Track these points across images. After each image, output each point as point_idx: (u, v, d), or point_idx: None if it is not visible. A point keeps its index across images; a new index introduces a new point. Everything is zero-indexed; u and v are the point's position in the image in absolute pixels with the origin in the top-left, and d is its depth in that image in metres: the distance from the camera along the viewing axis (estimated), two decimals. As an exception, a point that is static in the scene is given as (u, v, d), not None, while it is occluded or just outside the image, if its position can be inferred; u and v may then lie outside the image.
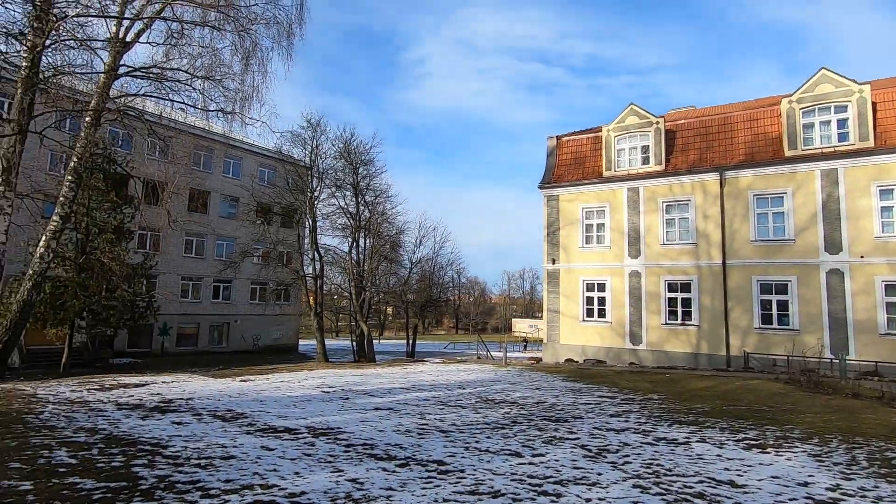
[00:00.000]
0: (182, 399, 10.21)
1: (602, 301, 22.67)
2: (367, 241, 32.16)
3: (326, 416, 8.96)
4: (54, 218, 17.40)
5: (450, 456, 6.49)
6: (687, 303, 20.97)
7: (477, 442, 7.32)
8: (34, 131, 15.86)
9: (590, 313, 22.95)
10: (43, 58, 15.54)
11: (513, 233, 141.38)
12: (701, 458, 6.64)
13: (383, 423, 8.48)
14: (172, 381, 13.07)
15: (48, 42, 15.13)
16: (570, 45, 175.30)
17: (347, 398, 11.03)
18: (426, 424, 8.49)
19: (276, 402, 10.17)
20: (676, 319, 21.11)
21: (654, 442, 7.53)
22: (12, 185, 15.10)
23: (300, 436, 7.36)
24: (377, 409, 9.80)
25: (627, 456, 6.70)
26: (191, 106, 20.36)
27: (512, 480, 5.55)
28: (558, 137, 25.05)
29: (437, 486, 5.29)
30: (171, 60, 19.61)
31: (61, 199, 17.39)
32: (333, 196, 30.90)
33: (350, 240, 30.94)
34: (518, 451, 6.84)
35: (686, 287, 21.04)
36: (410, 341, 36.76)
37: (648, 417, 9.52)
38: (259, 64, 21.98)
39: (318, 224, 29.60)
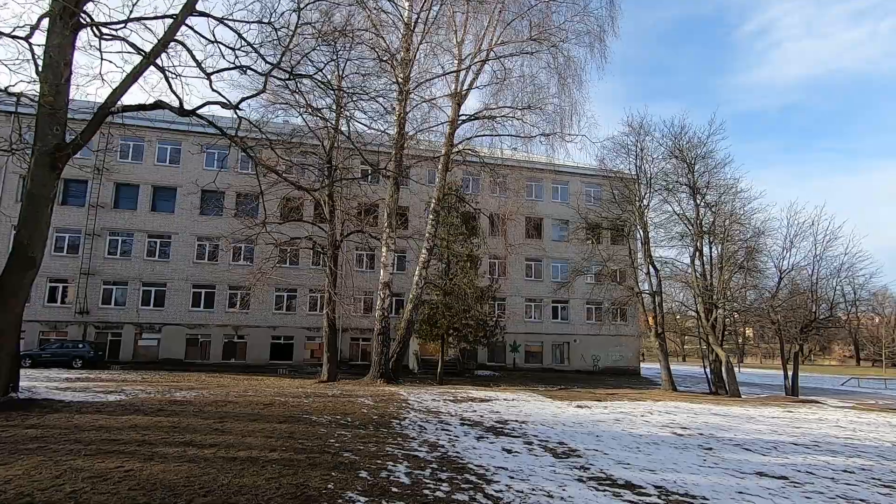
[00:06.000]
0: (517, 421, 9.84)
1: None
2: (714, 248, 26.93)
3: (681, 472, 6.72)
4: (423, 251, 21.30)
5: None
6: None
7: None
8: (404, 179, 19.65)
9: None
10: (406, 123, 19.49)
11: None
12: None
13: (779, 502, 5.63)
14: (513, 400, 13.22)
15: (407, 109, 18.84)
16: None
17: (710, 448, 8.33)
18: (862, 522, 5.17)
19: (615, 441, 8.51)
20: None
21: None
22: (393, 226, 19.25)
23: (646, 498, 5.49)
24: (760, 474, 6.83)
25: None
26: (514, 136, 21.88)
27: None
28: None
29: None
30: (497, 101, 21.64)
31: (426, 234, 21.15)
32: (665, 201, 27.39)
33: (691, 249, 26.59)
34: None
35: None
36: (790, 373, 28.27)
37: None
38: (574, 77, 21.71)
39: (650, 235, 26.71)
